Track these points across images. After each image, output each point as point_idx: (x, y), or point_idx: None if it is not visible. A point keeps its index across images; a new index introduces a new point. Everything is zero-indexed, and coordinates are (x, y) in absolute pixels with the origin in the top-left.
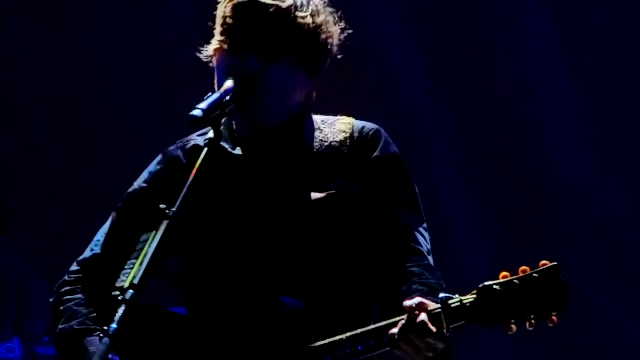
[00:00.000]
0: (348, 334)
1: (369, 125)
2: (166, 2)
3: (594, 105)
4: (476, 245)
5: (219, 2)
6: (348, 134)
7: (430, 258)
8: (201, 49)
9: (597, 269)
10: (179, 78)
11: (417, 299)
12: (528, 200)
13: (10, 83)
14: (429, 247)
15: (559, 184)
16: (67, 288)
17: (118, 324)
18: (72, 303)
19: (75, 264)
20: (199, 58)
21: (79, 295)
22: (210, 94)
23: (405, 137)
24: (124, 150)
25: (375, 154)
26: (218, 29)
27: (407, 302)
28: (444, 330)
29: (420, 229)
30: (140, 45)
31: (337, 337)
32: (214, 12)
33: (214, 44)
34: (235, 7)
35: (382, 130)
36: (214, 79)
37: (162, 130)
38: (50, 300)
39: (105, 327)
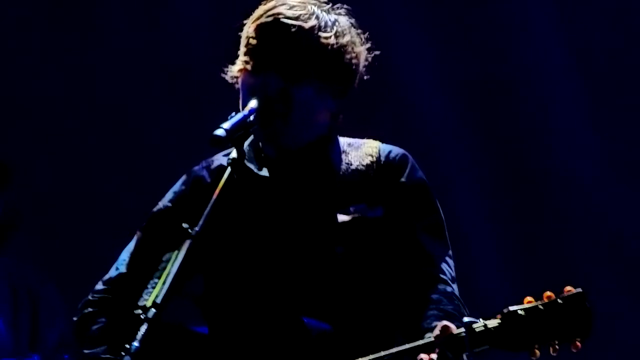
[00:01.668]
0: (371, 356)
1: (396, 150)
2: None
3: (616, 121)
4: (498, 267)
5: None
6: (375, 158)
7: (454, 286)
8: (225, 69)
9: (617, 287)
10: (189, 82)
11: (442, 323)
12: (549, 218)
13: (16, 86)
14: (453, 274)
15: (581, 202)
16: (91, 309)
17: (140, 342)
18: (98, 327)
19: (100, 283)
20: (209, 62)
21: (104, 319)
22: (233, 113)
23: (422, 155)
24: (133, 155)
25: (401, 179)
26: (242, 49)
27: (434, 332)
28: (467, 355)
29: (445, 257)
30: (149, 49)
31: None
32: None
33: (239, 64)
34: (258, 28)
35: (409, 155)
36: (225, 84)
37: (174, 137)
38: (74, 319)
39: (128, 346)
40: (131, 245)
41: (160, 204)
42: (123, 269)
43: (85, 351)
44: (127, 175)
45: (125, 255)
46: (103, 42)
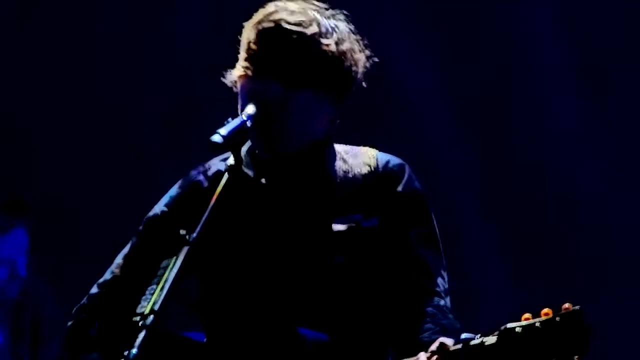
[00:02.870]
0: None
1: (394, 160)
2: (176, 12)
3: (619, 126)
4: (498, 278)
5: (244, 25)
6: (373, 168)
7: (447, 299)
8: (225, 73)
9: (622, 300)
10: (191, 88)
11: (439, 339)
12: (552, 228)
13: (19, 89)
14: (446, 286)
15: (582, 213)
16: (86, 314)
17: (138, 349)
18: (92, 332)
19: (95, 287)
20: (211, 69)
21: (99, 324)
22: (230, 119)
23: (422, 165)
24: (138, 167)
25: (398, 188)
26: (242, 54)
27: (430, 348)
28: None
29: (439, 269)
30: (150, 55)
31: None
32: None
33: (238, 69)
34: (260, 33)
35: (407, 165)
36: (221, 88)
37: (173, 141)
38: (69, 323)
39: (126, 353)
40: (126, 249)
41: (156, 208)
42: (117, 273)
43: (81, 356)
44: (124, 180)
45: (119, 259)
46: (102, 45)
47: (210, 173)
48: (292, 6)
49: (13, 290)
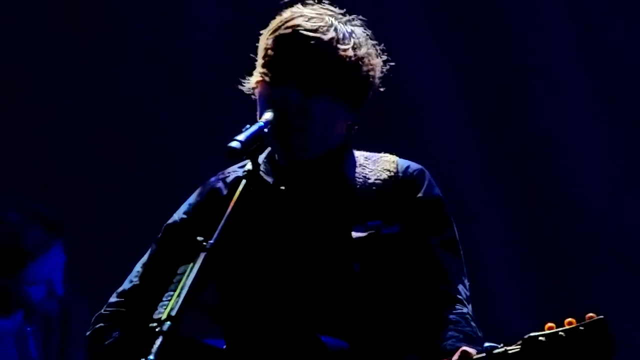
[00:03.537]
0: None
1: (414, 166)
2: (192, 14)
3: (630, 127)
4: (514, 288)
5: (260, 33)
6: (392, 173)
7: (469, 307)
8: (243, 80)
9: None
10: (206, 91)
11: (462, 348)
12: (565, 236)
13: (30, 89)
14: (468, 294)
15: (595, 218)
16: (104, 324)
17: (155, 355)
18: (110, 341)
19: (114, 295)
20: (224, 72)
21: (117, 333)
22: (248, 125)
23: (437, 168)
24: (162, 170)
25: (418, 195)
26: (260, 61)
27: (453, 357)
28: None
29: (460, 275)
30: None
31: None
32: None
33: (256, 76)
34: (277, 40)
35: (427, 171)
36: (229, 89)
37: (191, 147)
38: (87, 333)
39: (143, 359)
40: (145, 258)
41: (175, 216)
42: (136, 281)
43: None
44: (142, 184)
45: (139, 267)
46: (115, 47)
47: (229, 180)
48: (308, 12)
49: (52, 308)
